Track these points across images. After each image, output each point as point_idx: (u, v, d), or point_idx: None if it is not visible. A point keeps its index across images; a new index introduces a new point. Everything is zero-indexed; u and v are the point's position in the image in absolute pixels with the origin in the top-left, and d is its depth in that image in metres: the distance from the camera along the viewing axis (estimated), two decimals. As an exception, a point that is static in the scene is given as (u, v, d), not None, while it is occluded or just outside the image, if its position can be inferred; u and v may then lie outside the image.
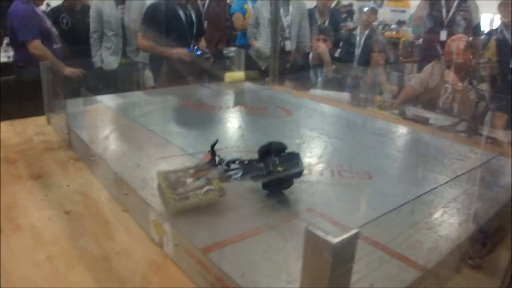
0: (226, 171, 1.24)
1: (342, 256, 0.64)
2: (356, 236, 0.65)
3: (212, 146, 1.29)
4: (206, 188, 1.17)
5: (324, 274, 0.64)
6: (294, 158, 1.28)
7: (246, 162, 1.29)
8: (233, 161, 1.28)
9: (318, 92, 3.48)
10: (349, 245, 0.64)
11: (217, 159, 1.30)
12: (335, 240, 0.62)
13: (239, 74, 3.03)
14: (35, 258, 1.09)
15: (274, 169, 1.23)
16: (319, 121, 2.16)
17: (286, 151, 1.31)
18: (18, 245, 1.14)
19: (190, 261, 1.01)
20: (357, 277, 0.78)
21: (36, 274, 1.03)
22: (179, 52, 3.33)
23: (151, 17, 3.50)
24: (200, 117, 2.21)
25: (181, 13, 3.49)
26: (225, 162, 1.28)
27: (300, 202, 1.28)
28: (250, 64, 3.77)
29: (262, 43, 4.37)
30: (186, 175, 1.23)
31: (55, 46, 3.76)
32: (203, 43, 3.72)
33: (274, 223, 1.13)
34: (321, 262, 0.64)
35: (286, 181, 1.27)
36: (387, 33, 8.25)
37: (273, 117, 2.20)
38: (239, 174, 1.23)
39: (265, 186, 1.25)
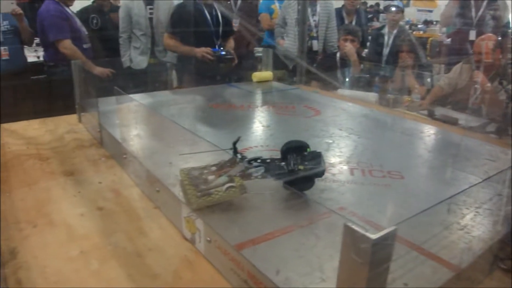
0: (248, 168, 1.24)
1: (381, 253, 0.63)
2: (394, 233, 0.64)
3: (234, 143, 1.29)
4: (227, 185, 1.17)
5: (361, 270, 0.64)
6: (316, 157, 1.28)
7: (268, 160, 1.29)
8: (255, 159, 1.28)
9: (345, 92, 3.46)
10: (388, 241, 0.63)
11: (239, 156, 1.30)
12: (374, 236, 0.61)
13: (267, 74, 3.03)
14: (69, 253, 1.11)
15: (295, 167, 1.23)
16: (348, 121, 2.15)
17: (308, 150, 1.31)
18: (52, 240, 1.16)
19: (222, 257, 1.02)
20: (391, 276, 0.78)
21: (69, 268, 1.05)
22: (203, 51, 3.34)
23: (177, 17, 3.52)
24: (229, 116, 2.22)
25: (206, 13, 3.50)
26: (246, 159, 1.28)
27: (331, 201, 1.27)
28: (277, 64, 3.77)
29: (289, 42, 4.36)
30: (208, 172, 1.24)
31: (85, 46, 3.80)
32: (231, 43, 3.72)
33: (305, 221, 1.13)
34: (359, 258, 0.64)
35: (307, 181, 1.26)
36: (415, 33, 8.17)
37: (301, 116, 2.19)
38: (261, 172, 1.22)
39: (286, 184, 1.24)
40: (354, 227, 0.63)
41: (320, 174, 1.27)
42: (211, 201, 1.14)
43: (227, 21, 3.66)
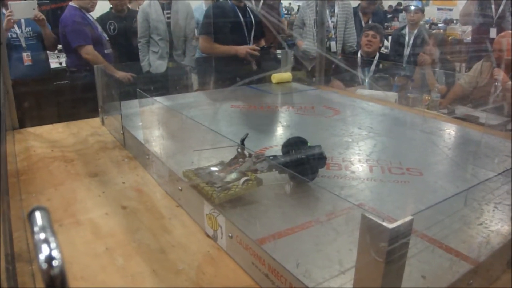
0: (254, 163, 1.27)
1: (398, 243, 0.65)
2: (411, 223, 0.66)
3: (242, 140, 1.33)
4: (243, 179, 1.22)
5: (379, 261, 0.66)
6: (315, 149, 1.35)
7: (271, 157, 1.35)
8: (260, 156, 1.34)
9: (365, 91, 3.46)
10: (405, 231, 0.65)
11: (246, 153, 1.33)
12: (391, 225, 0.63)
13: (287, 75, 3.05)
14: (95, 250, 1.14)
15: (294, 159, 1.29)
16: (367, 120, 2.15)
17: (308, 144, 1.37)
18: (78, 238, 1.19)
19: (244, 252, 1.04)
20: (409, 268, 0.79)
21: (96, 264, 1.08)
22: (246, 48, 3.37)
23: (211, 20, 3.55)
24: (250, 117, 2.24)
25: (240, 15, 3.53)
26: (253, 156, 1.31)
27: (350, 197, 1.28)
28: (296, 65, 3.79)
29: (307, 43, 4.37)
30: (216, 170, 1.29)
31: (106, 51, 3.85)
32: (262, 45, 3.75)
33: (325, 217, 1.14)
34: (377, 248, 0.65)
35: (310, 171, 1.31)
36: (435, 31, 8.11)
37: (321, 116, 2.21)
38: (266, 167, 1.27)
39: (291, 177, 1.28)
40: (371, 217, 0.65)
41: (322, 164, 1.35)
42: (232, 195, 1.18)
43: (259, 23, 3.69)
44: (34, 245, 0.45)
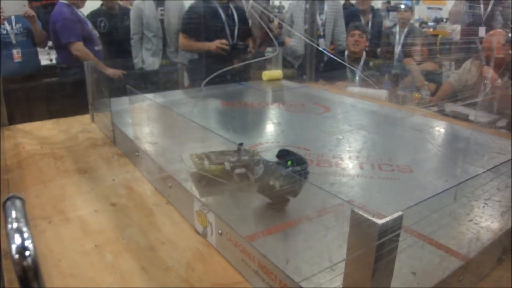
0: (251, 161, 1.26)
1: (387, 238, 0.65)
2: (400, 219, 0.66)
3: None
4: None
5: (368, 256, 0.66)
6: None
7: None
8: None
9: (355, 89, 3.47)
10: (394, 226, 0.65)
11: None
12: (381, 221, 0.63)
13: (277, 73, 3.05)
14: (84, 247, 1.13)
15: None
16: (358, 117, 2.16)
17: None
18: (67, 235, 1.19)
19: (233, 249, 1.04)
20: (399, 264, 0.79)
21: (84, 261, 1.07)
22: (216, 42, 3.37)
23: (190, 17, 3.55)
24: (241, 114, 2.24)
25: (222, 13, 3.52)
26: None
27: (341, 194, 1.28)
28: (284, 62, 3.78)
29: (295, 41, 4.37)
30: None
31: (96, 48, 3.84)
32: (249, 43, 3.75)
33: (315, 213, 1.14)
34: (366, 244, 0.65)
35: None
36: (424, 30, 8.14)
37: (311, 113, 2.21)
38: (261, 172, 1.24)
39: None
40: (361, 212, 0.65)
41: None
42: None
43: (244, 22, 3.68)
44: (6, 235, 0.44)
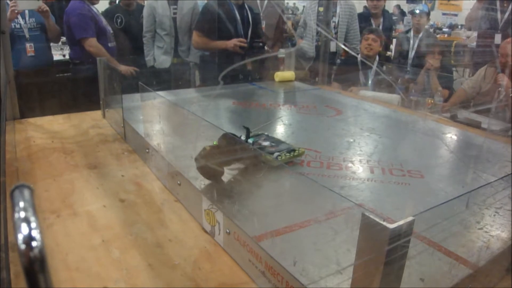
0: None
1: (398, 243, 0.64)
2: (412, 224, 0.65)
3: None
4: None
5: (378, 261, 0.65)
6: None
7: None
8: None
9: (368, 93, 3.45)
10: (405, 232, 0.64)
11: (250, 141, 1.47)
12: (392, 225, 0.62)
13: (290, 74, 3.04)
14: (91, 242, 1.13)
15: None
16: (369, 121, 2.15)
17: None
18: (75, 229, 1.18)
19: (241, 249, 1.03)
20: (408, 270, 0.78)
21: (91, 256, 1.07)
22: (234, 40, 3.37)
23: (206, 16, 3.56)
24: (251, 114, 2.23)
25: (237, 13, 3.52)
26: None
27: (350, 197, 1.27)
28: (296, 64, 3.79)
29: (306, 43, 4.36)
30: None
31: (110, 45, 3.85)
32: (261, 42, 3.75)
33: (324, 216, 1.13)
34: (376, 248, 0.64)
35: None
36: (439, 36, 8.11)
37: (323, 115, 2.20)
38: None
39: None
40: (372, 216, 0.64)
41: None
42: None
43: (257, 23, 3.68)
44: (13, 225, 0.42)
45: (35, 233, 0.42)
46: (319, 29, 4.02)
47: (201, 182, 1.24)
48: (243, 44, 3.41)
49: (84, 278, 0.98)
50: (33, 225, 0.42)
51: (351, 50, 4.35)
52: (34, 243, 0.41)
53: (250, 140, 1.57)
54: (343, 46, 4.08)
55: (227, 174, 1.24)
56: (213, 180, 1.29)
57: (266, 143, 1.59)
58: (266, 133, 1.72)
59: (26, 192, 0.46)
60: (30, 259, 0.41)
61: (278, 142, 1.62)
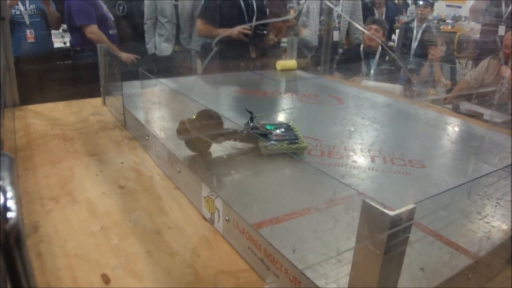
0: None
1: (398, 231, 0.63)
2: (413, 212, 0.64)
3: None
4: None
5: (378, 249, 0.64)
6: None
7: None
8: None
9: (370, 83, 3.44)
10: (406, 219, 0.63)
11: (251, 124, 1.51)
12: (393, 212, 0.61)
13: (292, 62, 3.03)
14: (90, 228, 1.12)
15: None
16: (371, 110, 2.13)
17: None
18: (74, 216, 1.18)
19: (240, 236, 1.02)
20: (407, 259, 0.77)
21: (90, 242, 1.06)
22: (238, 28, 3.36)
23: (210, 4, 3.54)
24: (253, 102, 2.22)
25: (241, 1, 3.50)
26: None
27: (351, 186, 1.27)
28: (299, 53, 3.78)
29: (308, 32, 4.34)
30: None
31: (111, 32, 3.83)
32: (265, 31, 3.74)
33: (324, 204, 1.13)
34: (376, 236, 0.63)
35: None
36: (443, 28, 8.07)
37: (325, 104, 2.19)
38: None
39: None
40: (372, 203, 0.63)
41: None
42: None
43: (262, 12, 3.67)
44: None
45: (10, 203, 0.39)
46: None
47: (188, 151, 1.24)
48: (247, 31, 3.39)
49: (83, 265, 0.98)
50: (9, 194, 0.39)
51: (352, 46, 4.35)
52: (9, 214, 0.38)
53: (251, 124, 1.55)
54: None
55: (215, 151, 1.25)
56: (198, 152, 1.36)
57: (277, 131, 1.56)
58: (290, 123, 1.66)
59: (6, 161, 0.43)
60: (5, 231, 0.38)
61: (291, 133, 1.57)
